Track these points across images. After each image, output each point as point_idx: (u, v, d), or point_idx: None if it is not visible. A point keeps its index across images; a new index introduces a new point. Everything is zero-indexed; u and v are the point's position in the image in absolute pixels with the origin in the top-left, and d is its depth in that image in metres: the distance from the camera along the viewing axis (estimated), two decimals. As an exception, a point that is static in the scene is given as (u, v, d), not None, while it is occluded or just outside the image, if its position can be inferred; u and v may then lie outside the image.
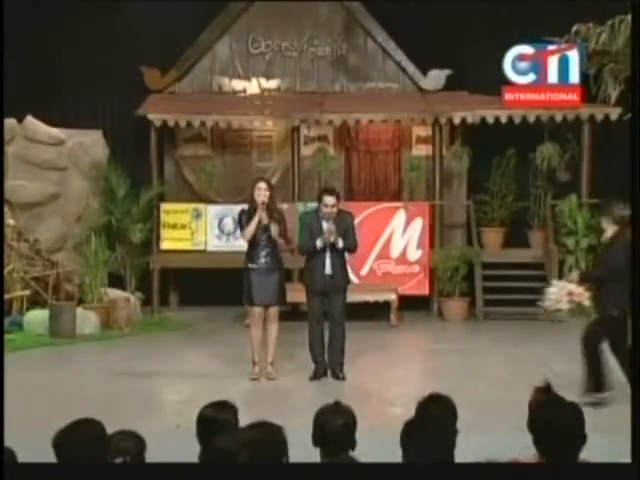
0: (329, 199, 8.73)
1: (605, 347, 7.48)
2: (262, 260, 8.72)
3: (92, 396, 8.14)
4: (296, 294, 9.66)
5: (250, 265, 8.77)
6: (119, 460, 3.59)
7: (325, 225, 8.73)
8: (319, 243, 8.70)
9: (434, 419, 3.63)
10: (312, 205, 12.32)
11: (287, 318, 9.89)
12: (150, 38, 13.99)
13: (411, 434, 3.47)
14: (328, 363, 8.92)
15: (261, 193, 8.68)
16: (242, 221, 8.88)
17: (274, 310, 8.89)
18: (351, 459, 3.67)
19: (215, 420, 4.00)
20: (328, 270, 8.74)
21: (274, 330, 8.89)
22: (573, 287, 7.21)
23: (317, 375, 8.89)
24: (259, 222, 8.64)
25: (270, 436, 3.41)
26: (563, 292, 7.26)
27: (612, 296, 7.17)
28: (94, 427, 3.49)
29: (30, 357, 10.47)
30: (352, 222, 9.06)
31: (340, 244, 8.72)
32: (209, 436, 3.90)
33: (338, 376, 8.85)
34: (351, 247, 8.96)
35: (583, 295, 7.24)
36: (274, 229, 8.63)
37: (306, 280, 9.00)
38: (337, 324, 8.88)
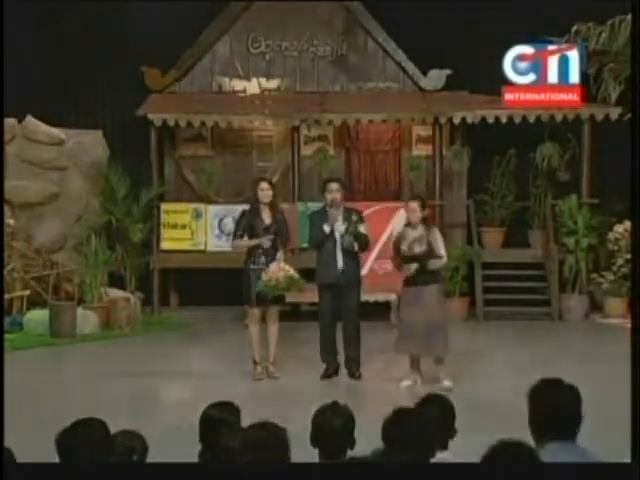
0: (332, 185, 8.85)
1: None
2: (263, 261, 8.71)
3: (92, 396, 8.13)
4: (296, 294, 9.63)
5: (251, 266, 8.76)
6: (131, 458, 3.60)
7: (329, 211, 8.74)
8: (326, 228, 8.68)
9: (432, 419, 3.63)
10: (312, 205, 12.37)
11: (287, 318, 9.91)
12: (150, 38, 13.98)
13: (392, 432, 3.49)
14: (344, 361, 8.91)
15: (264, 193, 8.74)
16: (241, 224, 8.84)
17: (274, 310, 8.90)
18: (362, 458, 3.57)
19: (218, 420, 3.99)
20: (340, 265, 8.71)
21: (275, 329, 8.90)
22: (282, 264, 8.59)
23: (327, 374, 8.88)
24: (260, 225, 8.67)
25: (273, 436, 3.40)
26: (277, 268, 8.52)
27: None
28: (98, 426, 3.48)
29: (30, 357, 10.47)
30: (360, 219, 8.82)
31: (348, 238, 8.59)
32: (212, 436, 3.90)
33: (354, 374, 8.84)
34: (361, 241, 8.76)
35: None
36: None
37: (318, 276, 8.94)
38: (351, 322, 8.84)
